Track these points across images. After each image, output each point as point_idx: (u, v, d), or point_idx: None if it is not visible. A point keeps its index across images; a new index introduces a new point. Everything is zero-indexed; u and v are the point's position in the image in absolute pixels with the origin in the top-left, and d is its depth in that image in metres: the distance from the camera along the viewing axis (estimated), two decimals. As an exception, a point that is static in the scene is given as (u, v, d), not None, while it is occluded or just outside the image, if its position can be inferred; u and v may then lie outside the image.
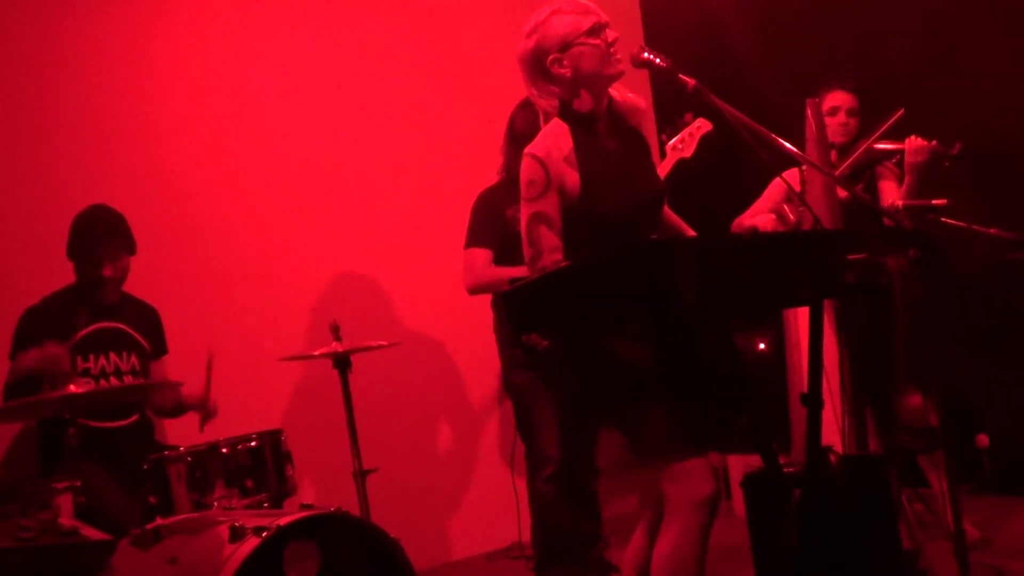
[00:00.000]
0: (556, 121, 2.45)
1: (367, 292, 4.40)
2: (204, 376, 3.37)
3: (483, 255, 3.67)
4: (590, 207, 2.38)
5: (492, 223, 3.68)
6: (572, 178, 2.37)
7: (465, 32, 4.80)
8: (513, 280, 3.59)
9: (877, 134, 3.54)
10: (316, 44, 4.43)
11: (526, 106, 3.79)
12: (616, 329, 2.30)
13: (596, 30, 2.40)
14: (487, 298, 3.78)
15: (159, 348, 3.62)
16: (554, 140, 2.41)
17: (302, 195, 4.32)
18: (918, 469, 3.73)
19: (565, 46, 2.40)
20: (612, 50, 2.40)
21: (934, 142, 3.34)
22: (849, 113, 3.71)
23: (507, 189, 3.74)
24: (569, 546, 3.62)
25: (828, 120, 3.67)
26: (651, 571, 2.35)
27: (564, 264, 2.32)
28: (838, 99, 3.73)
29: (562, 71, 2.41)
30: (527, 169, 2.39)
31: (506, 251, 3.64)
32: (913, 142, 3.39)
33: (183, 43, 4.13)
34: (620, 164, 2.48)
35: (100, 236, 3.38)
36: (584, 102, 2.44)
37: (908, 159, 3.36)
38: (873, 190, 3.61)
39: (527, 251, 2.39)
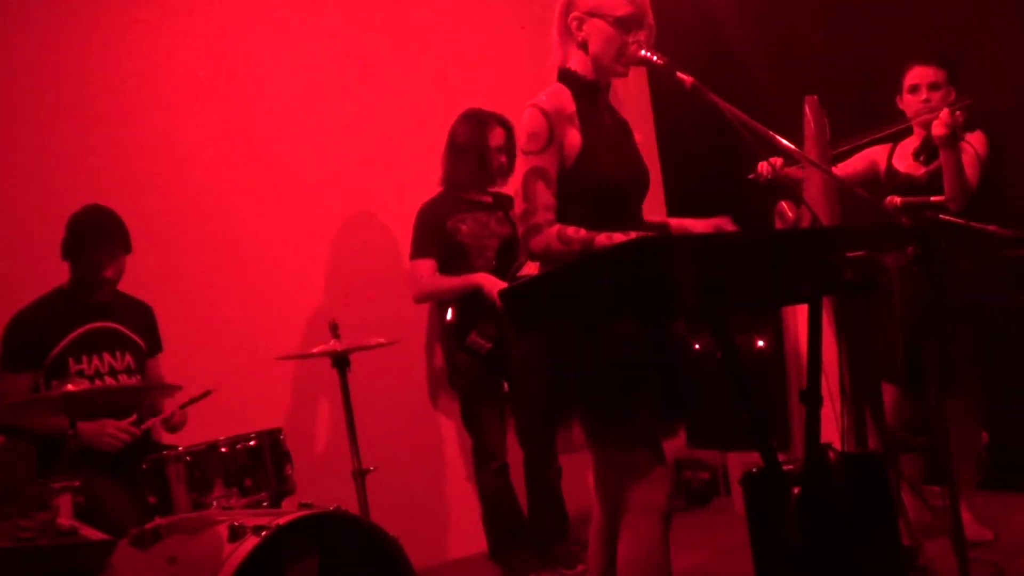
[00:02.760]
0: (558, 85, 2.44)
1: (366, 290, 4.39)
2: (188, 399, 3.36)
3: (428, 265, 3.91)
4: (589, 170, 2.37)
5: (435, 234, 3.89)
6: (573, 138, 2.37)
7: (466, 29, 4.80)
8: (514, 277, 3.68)
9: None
10: (315, 41, 4.43)
11: (468, 117, 3.92)
12: (612, 324, 2.30)
13: (626, 24, 2.38)
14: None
15: (153, 346, 3.61)
16: (558, 99, 2.39)
17: (301, 193, 4.31)
18: (919, 466, 3.74)
19: (590, 13, 2.40)
20: (629, 50, 2.38)
21: (958, 113, 3.27)
22: (931, 88, 3.52)
23: (448, 200, 3.96)
24: (519, 531, 3.96)
25: (910, 99, 3.57)
26: (619, 572, 2.36)
27: (556, 226, 2.31)
28: (917, 75, 3.56)
29: (577, 33, 2.43)
30: (531, 120, 2.35)
31: (448, 259, 3.90)
32: (940, 115, 3.29)
33: (181, 40, 4.12)
34: (615, 138, 2.49)
35: (99, 239, 3.36)
36: (587, 72, 2.45)
37: (934, 133, 3.30)
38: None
39: (520, 205, 2.36)
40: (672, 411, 2.42)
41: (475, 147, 3.90)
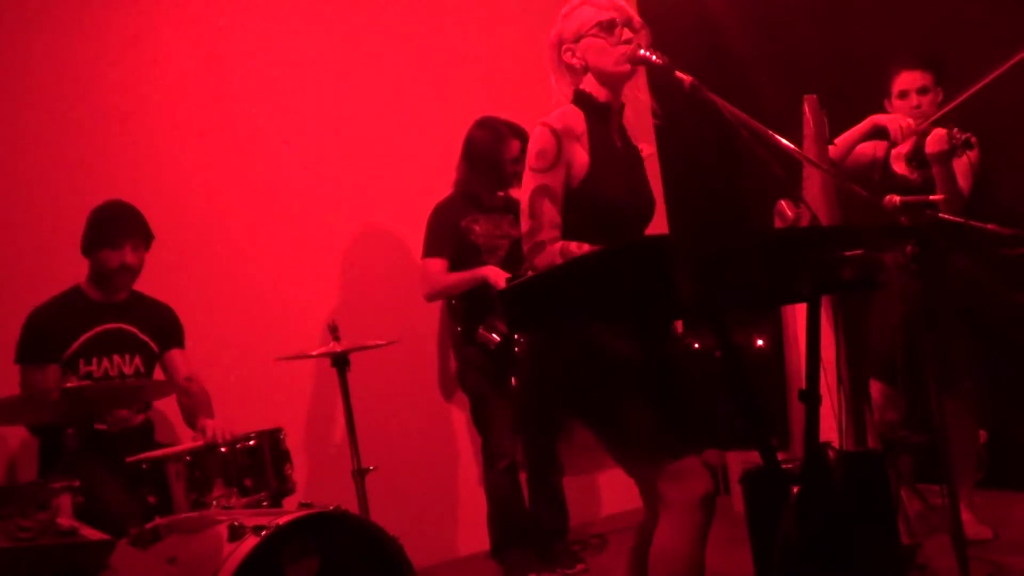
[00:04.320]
0: (570, 106, 2.45)
1: (365, 291, 4.40)
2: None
3: (439, 264, 3.96)
4: (594, 191, 2.37)
5: (447, 234, 3.95)
6: (582, 159, 2.38)
7: (467, 32, 4.80)
8: (511, 279, 3.69)
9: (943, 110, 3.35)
10: (321, 44, 4.42)
11: (485, 127, 3.95)
12: (611, 324, 2.30)
13: (608, 25, 2.40)
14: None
15: (166, 343, 3.55)
16: (569, 119, 2.41)
17: (300, 194, 4.31)
18: (919, 464, 3.74)
19: (577, 37, 2.44)
20: (622, 48, 2.40)
21: (955, 129, 3.26)
22: (921, 92, 3.51)
23: (461, 202, 4.01)
24: (523, 531, 3.98)
25: (900, 104, 3.55)
26: (649, 570, 2.35)
27: (560, 243, 2.32)
28: (905, 81, 3.54)
29: (573, 61, 2.45)
30: (541, 138, 2.37)
31: (460, 259, 3.95)
32: (934, 133, 3.29)
33: (190, 42, 4.13)
34: (624, 162, 2.50)
35: (122, 224, 3.37)
36: (598, 92, 2.46)
37: (928, 149, 3.29)
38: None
39: (526, 223, 2.37)
40: (676, 412, 2.41)
41: (491, 161, 3.97)
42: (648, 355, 2.34)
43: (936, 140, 3.25)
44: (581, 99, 2.46)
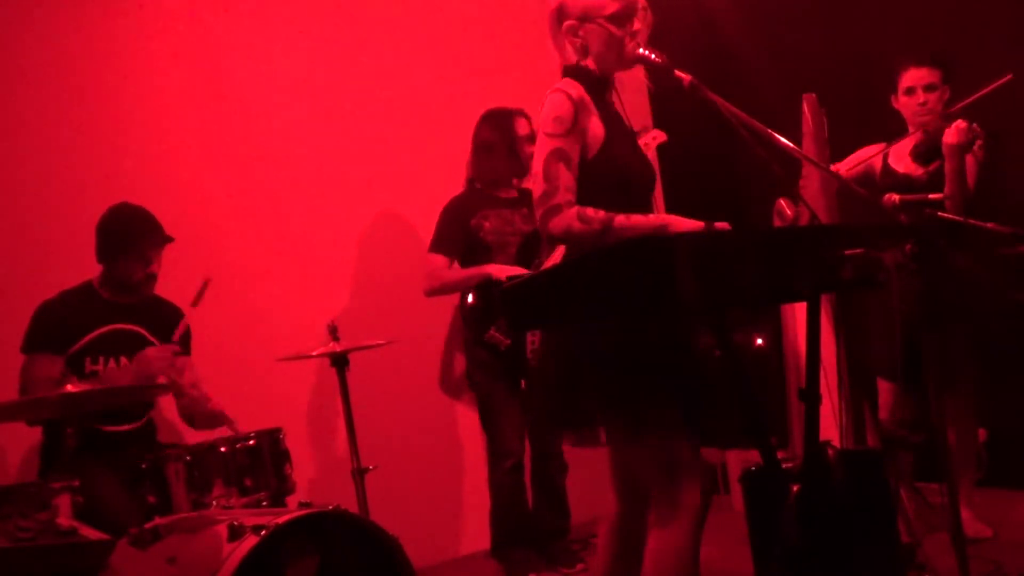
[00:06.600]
0: (567, 79, 2.43)
1: (365, 291, 4.40)
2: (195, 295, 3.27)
3: (440, 260, 3.95)
4: (611, 161, 2.37)
5: (456, 232, 3.94)
6: (597, 127, 2.38)
7: (470, 32, 4.80)
8: (511, 277, 3.69)
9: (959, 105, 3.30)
10: (322, 45, 4.42)
11: (490, 116, 3.95)
12: (612, 322, 2.30)
13: (620, 18, 2.39)
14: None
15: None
16: (579, 89, 2.40)
17: (300, 194, 4.31)
18: (919, 463, 3.74)
19: (583, 18, 2.42)
20: (631, 44, 2.40)
21: (975, 126, 3.23)
22: (927, 89, 3.50)
23: (473, 197, 4.00)
24: (525, 530, 3.98)
25: (906, 100, 3.54)
26: (646, 568, 2.35)
27: (576, 208, 2.32)
28: (912, 78, 3.53)
29: (575, 40, 2.45)
30: (558, 104, 2.35)
31: (470, 257, 3.94)
32: (954, 125, 3.26)
33: (192, 41, 4.12)
34: (628, 132, 2.53)
35: (144, 235, 3.36)
36: (595, 68, 2.47)
37: (946, 140, 3.29)
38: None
39: (541, 186, 2.35)
40: (698, 408, 2.41)
41: (503, 140, 3.95)
42: (675, 348, 2.34)
43: (956, 132, 3.24)
44: (580, 72, 2.44)
